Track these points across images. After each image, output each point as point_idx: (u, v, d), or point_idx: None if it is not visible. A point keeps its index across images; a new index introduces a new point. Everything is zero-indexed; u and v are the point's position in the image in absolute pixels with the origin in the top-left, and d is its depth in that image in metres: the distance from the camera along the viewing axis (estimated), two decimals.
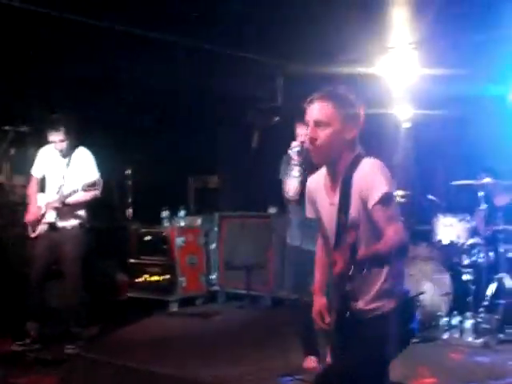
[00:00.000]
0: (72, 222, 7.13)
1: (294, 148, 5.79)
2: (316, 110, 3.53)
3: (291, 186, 5.79)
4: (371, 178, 3.41)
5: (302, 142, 5.60)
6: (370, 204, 3.38)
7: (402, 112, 9.33)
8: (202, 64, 8.59)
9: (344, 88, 3.59)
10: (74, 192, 6.89)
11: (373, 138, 9.90)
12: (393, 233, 3.32)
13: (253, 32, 7.64)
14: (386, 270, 3.49)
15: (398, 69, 8.51)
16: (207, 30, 7.51)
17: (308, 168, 5.37)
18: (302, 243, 5.91)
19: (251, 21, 7.27)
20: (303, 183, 4.97)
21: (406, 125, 9.35)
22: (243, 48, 8.14)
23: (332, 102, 3.51)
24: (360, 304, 3.51)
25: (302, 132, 5.78)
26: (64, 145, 7.12)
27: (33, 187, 7.36)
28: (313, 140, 3.52)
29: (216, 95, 9.51)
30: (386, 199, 3.36)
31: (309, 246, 5.25)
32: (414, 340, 6.89)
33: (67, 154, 7.17)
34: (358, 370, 3.46)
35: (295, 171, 5.74)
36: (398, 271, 3.58)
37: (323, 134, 3.51)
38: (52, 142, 7.14)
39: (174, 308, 9.37)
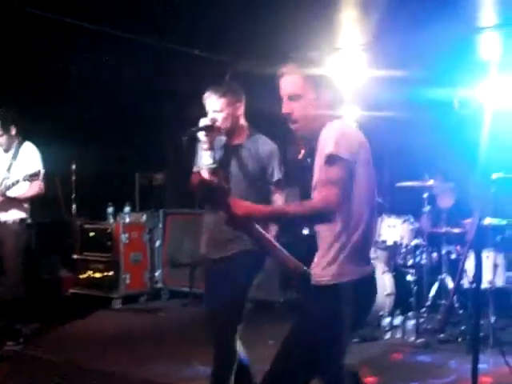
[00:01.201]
0: (14, 217, 7.02)
1: (201, 124, 4.58)
2: (287, 84, 3.58)
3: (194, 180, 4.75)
4: (324, 140, 3.42)
5: (213, 119, 4.58)
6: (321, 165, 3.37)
7: (349, 113, 9.38)
8: (151, 60, 8.54)
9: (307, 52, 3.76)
10: (16, 183, 6.77)
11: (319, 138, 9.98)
12: (320, 197, 3.31)
13: (204, 30, 7.62)
14: (323, 239, 3.46)
15: (346, 70, 8.53)
16: (160, 26, 7.47)
17: (219, 153, 4.68)
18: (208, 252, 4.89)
19: (203, 19, 7.25)
20: (218, 173, 4.54)
21: (355, 126, 9.41)
22: (194, 45, 8.11)
23: (300, 71, 3.58)
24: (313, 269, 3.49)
25: (212, 107, 4.64)
26: (2, 139, 7.00)
27: None
28: (288, 115, 3.56)
29: (166, 92, 9.46)
30: (329, 160, 3.33)
31: (214, 255, 4.76)
32: (356, 340, 7.07)
33: (8, 148, 7.05)
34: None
35: (206, 158, 4.59)
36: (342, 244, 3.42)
37: (298, 106, 3.53)
38: None
39: (118, 305, 9.29)
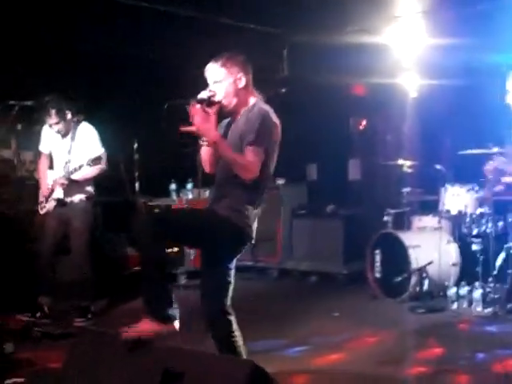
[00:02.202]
0: (79, 197, 7.13)
1: (202, 96, 4.36)
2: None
3: (202, 157, 4.57)
4: None
5: (212, 92, 4.37)
6: None
7: (410, 82, 9.27)
8: (207, 36, 8.54)
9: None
10: (80, 167, 6.87)
11: (380, 108, 9.92)
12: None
13: (260, 3, 7.59)
14: None
15: (405, 38, 8.43)
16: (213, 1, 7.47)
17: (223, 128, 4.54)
18: None
19: None
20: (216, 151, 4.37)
21: (414, 94, 9.29)
22: (250, 19, 8.09)
23: None
24: None
25: (212, 77, 4.44)
26: (59, 126, 7.09)
27: (43, 163, 7.37)
28: None
29: None
30: None
31: None
32: (422, 310, 7.03)
33: (67, 132, 7.14)
34: None
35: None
36: None
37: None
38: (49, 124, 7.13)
39: (183, 280, 9.39)
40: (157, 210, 9.70)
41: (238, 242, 4.37)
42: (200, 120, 4.19)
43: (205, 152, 4.49)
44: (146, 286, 4.25)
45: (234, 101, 4.41)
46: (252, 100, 4.45)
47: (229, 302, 4.45)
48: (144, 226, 4.16)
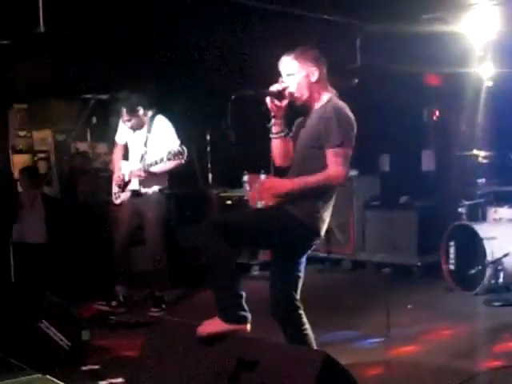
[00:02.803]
0: (154, 189, 7.21)
1: (273, 89, 4.36)
2: None
3: (273, 150, 4.57)
4: None
5: (284, 86, 4.37)
6: None
7: (485, 70, 9.10)
8: (280, 27, 8.53)
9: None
10: (160, 161, 6.91)
11: (455, 98, 9.76)
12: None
13: None
14: None
15: (480, 27, 8.28)
16: None
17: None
18: None
19: None
20: (286, 144, 4.45)
21: (489, 83, 9.12)
22: (323, 9, 8.05)
23: None
24: None
25: (285, 70, 4.44)
26: (132, 122, 7.18)
27: (117, 153, 7.49)
28: None
29: None
30: None
31: None
32: (498, 303, 6.91)
33: (140, 127, 7.22)
34: None
35: (273, 126, 4.45)
36: None
37: None
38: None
39: (256, 271, 9.43)
40: (229, 202, 9.76)
41: (309, 239, 4.37)
42: None
43: (275, 145, 4.49)
44: (215, 289, 4.27)
45: (307, 94, 4.39)
46: (326, 96, 4.41)
47: (298, 295, 4.45)
48: (210, 233, 4.17)
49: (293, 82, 4.37)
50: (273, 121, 4.40)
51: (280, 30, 8.42)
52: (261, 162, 8.10)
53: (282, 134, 4.44)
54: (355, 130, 4.30)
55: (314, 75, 4.38)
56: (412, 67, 8.76)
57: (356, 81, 9.31)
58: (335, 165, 4.16)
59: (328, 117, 4.25)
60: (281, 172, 4.59)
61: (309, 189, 4.18)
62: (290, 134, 4.49)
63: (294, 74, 4.37)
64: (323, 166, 4.20)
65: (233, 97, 4.27)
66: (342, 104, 4.35)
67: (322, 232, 4.36)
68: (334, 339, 5.80)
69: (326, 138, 4.21)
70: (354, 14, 8.25)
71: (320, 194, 4.29)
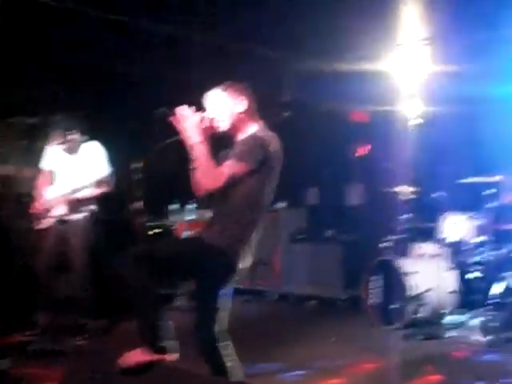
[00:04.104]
0: (80, 215, 7.13)
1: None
2: None
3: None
4: None
5: (208, 115, 4.42)
6: None
7: (412, 109, 9.30)
8: (210, 60, 8.59)
9: None
10: (84, 187, 6.88)
11: (382, 135, 9.94)
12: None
13: (264, 29, 7.64)
14: None
15: (407, 65, 8.48)
16: (219, 25, 7.51)
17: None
18: None
19: (264, 17, 7.27)
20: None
21: (416, 122, 9.32)
22: (254, 44, 8.13)
23: None
24: None
25: (211, 102, 4.49)
26: (66, 145, 7.12)
27: (42, 179, 7.38)
28: None
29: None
30: None
31: None
32: (420, 337, 7.01)
33: (74, 150, 7.17)
34: None
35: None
36: None
37: None
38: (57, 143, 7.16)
39: (180, 302, 9.35)
40: (157, 231, 9.71)
41: (230, 270, 4.32)
42: (185, 122, 4.28)
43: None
44: (139, 319, 4.22)
45: (232, 125, 4.41)
46: (252, 128, 4.42)
47: (223, 326, 4.41)
48: (132, 262, 4.14)
49: (218, 113, 4.40)
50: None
51: (211, 62, 8.48)
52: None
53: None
54: (268, 159, 4.24)
55: (241, 106, 4.41)
56: (340, 103, 8.91)
57: (286, 114, 9.41)
58: (223, 167, 4.18)
59: (241, 142, 4.32)
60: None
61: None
62: None
63: (221, 104, 4.40)
64: (244, 191, 4.23)
65: (154, 116, 4.34)
66: (264, 135, 4.33)
67: (246, 263, 4.34)
68: (257, 371, 5.78)
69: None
70: (284, 50, 8.35)
71: (244, 223, 4.28)
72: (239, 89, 4.45)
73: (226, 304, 4.39)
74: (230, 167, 4.17)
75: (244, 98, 4.42)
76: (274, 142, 4.32)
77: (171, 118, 4.33)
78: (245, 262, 4.33)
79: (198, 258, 4.26)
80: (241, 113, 4.41)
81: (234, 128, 4.42)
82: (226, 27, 7.71)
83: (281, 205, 9.67)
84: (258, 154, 4.21)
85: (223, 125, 4.40)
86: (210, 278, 4.30)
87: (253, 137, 4.31)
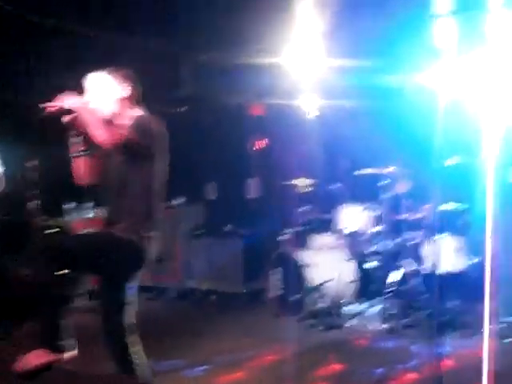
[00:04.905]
0: None
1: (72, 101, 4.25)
2: None
3: (74, 169, 4.49)
4: None
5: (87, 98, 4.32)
6: None
7: (308, 103, 9.41)
8: (104, 53, 8.45)
9: None
10: None
11: (280, 128, 10.01)
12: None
13: (162, 21, 7.58)
14: None
15: (304, 59, 8.55)
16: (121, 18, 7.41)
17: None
18: None
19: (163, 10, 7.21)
20: (89, 164, 4.37)
21: (313, 115, 9.44)
22: (151, 37, 8.06)
23: None
24: None
25: (92, 86, 4.42)
26: None
27: None
28: None
29: None
30: None
31: None
32: (321, 327, 7.11)
33: None
34: None
35: (74, 144, 4.35)
36: None
37: None
38: None
39: (83, 301, 9.18)
40: (53, 230, 9.50)
41: (137, 262, 4.29)
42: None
43: (78, 165, 4.37)
44: (40, 316, 4.11)
45: (113, 110, 4.35)
46: (135, 113, 4.32)
47: (130, 321, 4.35)
48: (37, 255, 4.06)
49: (101, 97, 4.34)
50: (74, 138, 4.29)
51: (105, 55, 8.36)
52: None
53: (83, 153, 4.33)
54: (151, 136, 4.22)
55: (124, 92, 4.37)
56: (238, 97, 8.93)
57: (183, 109, 9.37)
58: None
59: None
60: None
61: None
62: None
63: (104, 88, 4.35)
64: (137, 180, 4.20)
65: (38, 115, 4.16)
66: (149, 118, 4.31)
67: (151, 256, 4.30)
68: (160, 369, 5.74)
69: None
70: (182, 43, 8.31)
71: (146, 212, 4.25)
72: (124, 74, 4.41)
73: (132, 298, 4.35)
74: (123, 131, 4.12)
75: (128, 83, 4.39)
76: (158, 126, 4.30)
77: (54, 109, 4.19)
78: (148, 257, 4.29)
79: (105, 249, 4.19)
80: (124, 98, 4.37)
81: (117, 112, 4.35)
82: (121, 18, 7.60)
83: (179, 200, 9.61)
84: (145, 134, 4.18)
85: (105, 109, 4.33)
86: (116, 272, 4.25)
87: (137, 119, 4.23)
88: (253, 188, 10.24)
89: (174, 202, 9.65)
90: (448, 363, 5.76)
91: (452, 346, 6.25)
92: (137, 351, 4.31)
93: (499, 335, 5.45)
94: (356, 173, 8.11)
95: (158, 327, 7.54)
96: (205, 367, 5.95)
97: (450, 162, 7.08)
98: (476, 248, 7.39)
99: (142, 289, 9.19)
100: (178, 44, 8.33)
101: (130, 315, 4.33)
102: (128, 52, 8.11)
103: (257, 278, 8.47)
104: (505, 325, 6.44)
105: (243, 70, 8.38)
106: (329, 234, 8.25)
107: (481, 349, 5.76)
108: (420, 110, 6.80)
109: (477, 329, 6.56)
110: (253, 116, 10.20)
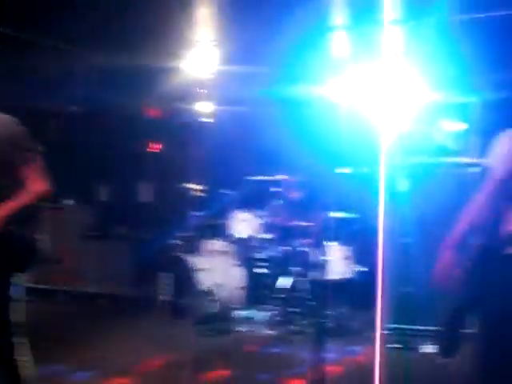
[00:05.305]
0: None
1: None
2: None
3: None
4: None
5: None
6: None
7: (203, 107, 9.42)
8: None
9: None
10: None
11: (175, 132, 9.98)
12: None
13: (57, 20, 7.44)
14: None
15: (201, 64, 8.56)
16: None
17: None
18: None
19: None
20: None
21: (207, 120, 9.46)
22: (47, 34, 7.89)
23: None
24: None
25: None
26: None
27: None
28: None
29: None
30: None
31: None
32: (210, 333, 7.12)
33: None
34: None
35: None
36: None
37: None
38: None
39: None
40: None
41: (23, 263, 4.20)
42: None
43: None
44: None
45: None
46: None
47: (17, 320, 4.22)
48: None
49: None
50: None
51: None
52: None
53: None
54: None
55: None
56: (133, 99, 8.84)
57: (77, 108, 9.22)
58: (36, 180, 4.06)
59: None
60: None
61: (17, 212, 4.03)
62: None
63: None
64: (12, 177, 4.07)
65: None
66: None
67: (38, 256, 4.21)
68: (48, 373, 5.62)
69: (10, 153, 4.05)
70: (77, 45, 8.17)
71: (29, 213, 4.15)
72: None
73: (20, 297, 4.23)
74: (40, 170, 4.06)
75: None
76: (11, 125, 4.13)
77: None
78: (35, 257, 4.20)
79: None
80: None
81: None
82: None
83: (68, 201, 9.44)
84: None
85: None
86: (5, 266, 4.10)
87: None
88: (146, 191, 10.15)
89: (64, 203, 9.48)
90: (334, 369, 5.87)
91: (338, 352, 6.37)
92: (23, 352, 4.19)
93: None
94: (248, 179, 8.17)
95: (43, 331, 7.36)
96: (92, 372, 5.86)
97: (341, 170, 7.24)
98: (364, 257, 7.57)
99: (30, 291, 9.04)
100: (73, 43, 8.17)
101: (18, 315, 4.21)
102: (21, 48, 7.94)
103: (147, 282, 8.40)
104: (387, 331, 6.60)
105: (139, 72, 8.31)
106: (220, 239, 8.27)
107: (366, 355, 5.94)
108: (314, 119, 6.92)
109: (363, 335, 6.77)
110: (148, 118, 10.12)
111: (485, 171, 3.50)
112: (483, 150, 3.58)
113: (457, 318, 3.69)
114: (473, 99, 8.08)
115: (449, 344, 3.56)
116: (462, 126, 8.45)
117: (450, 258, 3.58)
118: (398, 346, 6.60)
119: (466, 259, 3.55)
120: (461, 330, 3.46)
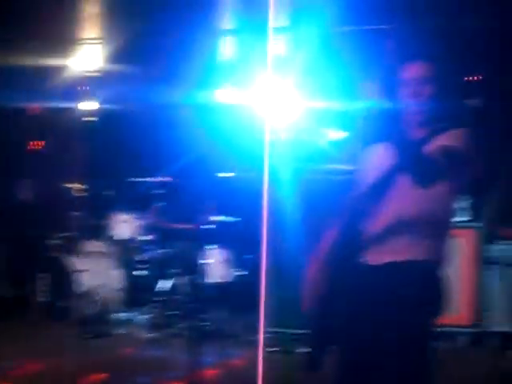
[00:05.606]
0: None
1: None
2: None
3: None
4: None
5: None
6: None
7: (87, 106, 9.28)
8: None
9: None
10: None
11: (57, 129, 9.79)
12: None
13: None
14: None
15: (83, 63, 8.45)
16: None
17: None
18: None
19: None
20: None
21: (90, 119, 9.33)
22: None
23: None
24: None
25: None
26: None
27: None
28: None
29: None
30: None
31: None
32: (89, 335, 7.03)
33: None
34: None
35: None
36: None
37: None
38: None
39: None
40: None
41: None
42: None
43: None
44: None
45: None
46: None
47: None
48: None
49: None
50: None
51: None
52: None
53: None
54: None
55: None
56: (14, 96, 8.60)
57: None
58: None
59: None
60: None
61: None
62: None
63: None
64: None
65: None
66: None
67: None
68: None
69: None
70: None
71: None
72: None
73: None
74: None
75: None
76: None
77: None
78: None
79: None
80: None
81: None
82: None
83: None
84: None
85: None
86: None
87: None
88: (26, 189, 9.89)
89: None
90: (213, 372, 5.90)
91: (217, 356, 6.40)
92: None
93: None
94: (130, 180, 8.11)
95: None
96: None
97: (224, 174, 7.29)
98: (244, 260, 7.64)
99: None
100: None
101: None
102: None
103: (23, 283, 8.20)
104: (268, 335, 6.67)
105: (22, 70, 8.11)
106: (100, 240, 8.17)
107: (245, 358, 6.00)
108: (199, 122, 6.95)
109: (242, 338, 6.83)
110: (31, 117, 9.88)
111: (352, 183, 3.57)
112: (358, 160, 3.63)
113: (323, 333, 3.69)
114: (355, 108, 8.27)
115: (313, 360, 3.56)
116: (345, 134, 8.64)
117: (315, 273, 3.54)
118: (277, 349, 6.68)
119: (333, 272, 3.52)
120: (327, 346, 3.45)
